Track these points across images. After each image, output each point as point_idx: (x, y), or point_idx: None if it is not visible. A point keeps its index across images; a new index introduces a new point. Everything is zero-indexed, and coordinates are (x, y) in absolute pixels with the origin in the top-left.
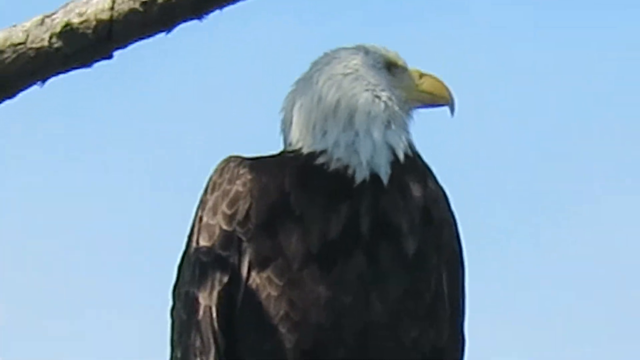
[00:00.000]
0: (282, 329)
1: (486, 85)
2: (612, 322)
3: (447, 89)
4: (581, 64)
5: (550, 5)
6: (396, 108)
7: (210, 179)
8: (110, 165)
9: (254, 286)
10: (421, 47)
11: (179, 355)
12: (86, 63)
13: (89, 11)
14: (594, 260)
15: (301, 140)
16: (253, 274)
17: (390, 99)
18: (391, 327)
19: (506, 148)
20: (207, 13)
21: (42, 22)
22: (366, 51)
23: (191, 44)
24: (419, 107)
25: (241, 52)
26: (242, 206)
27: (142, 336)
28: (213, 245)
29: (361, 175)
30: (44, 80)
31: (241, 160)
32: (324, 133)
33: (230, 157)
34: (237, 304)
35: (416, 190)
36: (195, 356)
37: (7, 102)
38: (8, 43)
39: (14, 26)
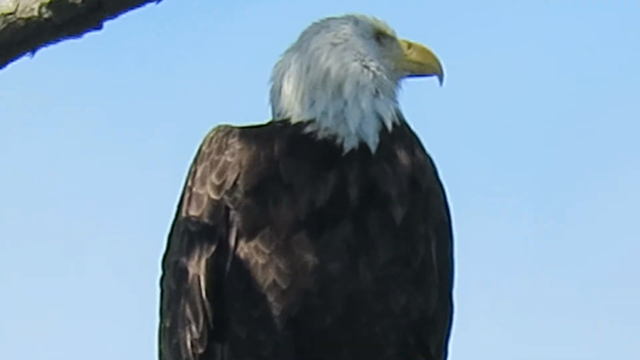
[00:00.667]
0: (270, 297)
1: (481, 50)
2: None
3: (435, 59)
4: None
5: None
6: (385, 77)
7: (199, 148)
8: (98, 139)
9: (242, 255)
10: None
11: (167, 324)
12: (76, 33)
13: None
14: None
15: (290, 109)
16: (241, 242)
17: (379, 68)
18: (379, 294)
19: (499, 117)
20: None
21: None
22: (355, 21)
23: (181, 12)
24: (407, 77)
25: (231, 20)
26: (231, 176)
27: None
28: (201, 214)
29: (349, 144)
30: (33, 51)
31: (230, 130)
32: (313, 102)
33: (219, 126)
34: (226, 272)
35: (404, 159)
36: (184, 325)
37: None
38: None
39: None
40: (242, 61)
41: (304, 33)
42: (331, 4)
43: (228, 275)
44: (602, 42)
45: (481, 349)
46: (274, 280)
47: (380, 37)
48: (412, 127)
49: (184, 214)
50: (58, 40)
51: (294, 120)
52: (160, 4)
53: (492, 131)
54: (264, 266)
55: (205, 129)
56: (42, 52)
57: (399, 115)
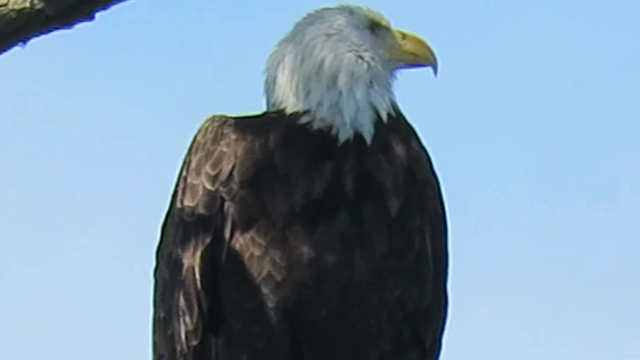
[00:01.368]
0: (265, 289)
1: (477, 41)
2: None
3: (430, 50)
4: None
5: None
6: (379, 68)
7: (194, 138)
8: (93, 127)
9: (237, 246)
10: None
11: (162, 315)
12: (68, 24)
13: None
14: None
15: (285, 100)
16: (236, 234)
17: (373, 59)
18: (374, 286)
19: (495, 109)
20: None
21: None
22: (350, 11)
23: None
24: (402, 68)
25: (224, 11)
26: (226, 166)
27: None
28: (196, 205)
29: (345, 134)
30: (25, 41)
31: (225, 120)
32: (308, 93)
33: (214, 116)
34: (221, 264)
35: (399, 150)
36: (179, 316)
37: None
38: None
39: None
40: (238, 51)
41: (298, 24)
42: None
43: (223, 267)
44: (601, 40)
45: (476, 342)
46: (269, 272)
47: (374, 27)
48: (408, 118)
49: (178, 204)
50: (50, 31)
51: (289, 111)
52: None
53: (488, 123)
54: (260, 258)
55: (201, 119)
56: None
57: (394, 106)
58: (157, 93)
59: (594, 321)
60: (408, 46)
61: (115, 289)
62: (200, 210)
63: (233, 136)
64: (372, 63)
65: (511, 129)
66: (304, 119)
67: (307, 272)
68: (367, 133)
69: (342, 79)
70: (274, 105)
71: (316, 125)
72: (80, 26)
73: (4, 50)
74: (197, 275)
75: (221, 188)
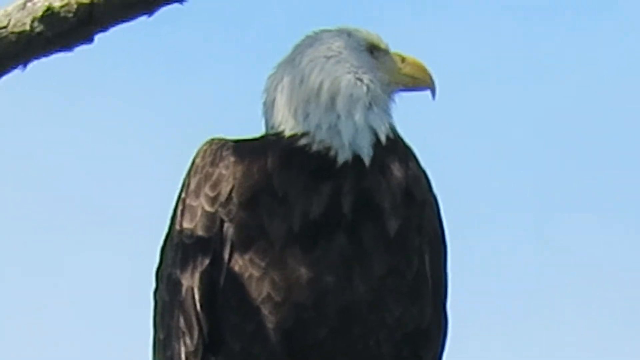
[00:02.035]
0: (265, 310)
1: (475, 65)
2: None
3: (428, 73)
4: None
5: None
6: (378, 91)
7: (193, 161)
8: (94, 152)
9: (236, 267)
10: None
11: (161, 336)
12: (67, 46)
13: None
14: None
15: (283, 122)
16: (235, 255)
17: (372, 81)
18: (373, 306)
19: (493, 132)
20: None
21: (23, 6)
22: (349, 33)
23: (173, 25)
24: (400, 91)
25: (223, 34)
26: (225, 188)
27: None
28: (195, 227)
29: (343, 156)
30: (25, 64)
31: (224, 143)
32: (306, 115)
33: (213, 139)
34: (220, 285)
35: (398, 171)
36: (178, 337)
37: None
38: None
39: None
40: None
41: (297, 46)
42: (324, 18)
43: (222, 288)
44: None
45: None
46: (268, 293)
47: (373, 50)
48: (406, 140)
49: (177, 226)
50: (50, 54)
51: (287, 133)
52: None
53: (487, 145)
54: (259, 279)
55: (201, 139)
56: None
57: (392, 128)
58: (163, 109)
59: (598, 343)
60: (407, 69)
61: (117, 307)
62: (199, 231)
63: (231, 158)
64: (371, 85)
65: (509, 151)
66: (302, 141)
67: (306, 293)
68: (366, 155)
69: (340, 101)
70: (272, 127)
71: (315, 147)
72: (80, 49)
73: (4, 74)
74: (197, 297)
75: (220, 210)
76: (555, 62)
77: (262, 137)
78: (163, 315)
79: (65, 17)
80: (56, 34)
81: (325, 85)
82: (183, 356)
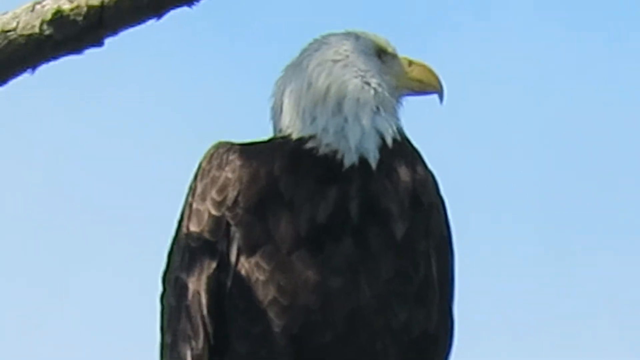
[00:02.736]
0: (271, 314)
1: (483, 69)
2: None
3: (436, 77)
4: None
5: None
6: (386, 94)
7: (200, 165)
8: (103, 154)
9: (242, 271)
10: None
11: (168, 340)
12: (77, 50)
13: None
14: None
15: (291, 126)
16: (242, 258)
17: (379, 85)
18: (380, 310)
19: (501, 136)
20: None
21: (32, 8)
22: (356, 37)
23: (182, 29)
24: (408, 95)
25: (232, 37)
26: (231, 192)
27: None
28: (202, 230)
29: (350, 159)
30: (34, 67)
31: (230, 146)
32: (313, 119)
33: (220, 142)
34: (226, 288)
35: (405, 175)
36: (185, 341)
37: None
38: None
39: (5, 13)
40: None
41: (305, 49)
42: (331, 22)
43: (229, 292)
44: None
45: None
46: (274, 297)
47: (381, 54)
48: (414, 143)
49: (184, 230)
50: (59, 57)
51: (294, 137)
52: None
53: (495, 148)
54: (265, 283)
55: (208, 142)
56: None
57: (399, 131)
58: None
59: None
60: (414, 73)
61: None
62: (206, 235)
63: (238, 162)
64: (378, 89)
65: (518, 155)
66: (309, 145)
67: (312, 297)
68: (373, 158)
69: (348, 105)
70: (280, 130)
71: (322, 151)
72: (90, 52)
73: (13, 76)
74: (203, 300)
75: (227, 213)
76: (566, 65)
77: (269, 140)
78: (170, 319)
79: (74, 20)
80: (65, 37)
81: (333, 89)
82: None
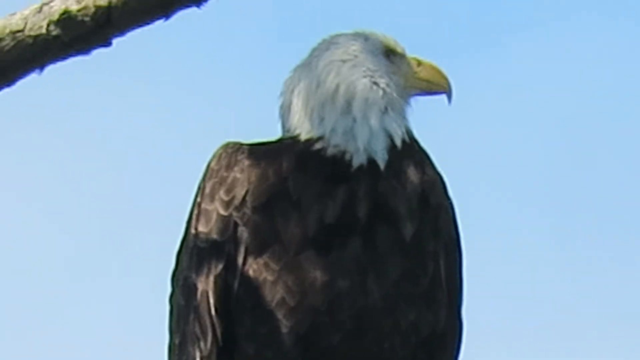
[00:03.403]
0: (279, 314)
1: (491, 68)
2: None
3: (445, 77)
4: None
5: None
6: (394, 95)
7: (208, 165)
8: (105, 154)
9: (250, 271)
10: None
11: (177, 341)
12: (84, 50)
13: None
14: None
15: (299, 126)
16: (250, 259)
17: (388, 85)
18: (388, 311)
19: (511, 137)
20: (206, 0)
21: (40, 9)
22: (365, 37)
23: (190, 29)
24: (417, 95)
25: (239, 37)
26: (240, 192)
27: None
28: (210, 230)
29: (358, 160)
30: (42, 68)
31: (239, 147)
32: (322, 119)
33: (228, 142)
34: (234, 289)
35: (413, 176)
36: (193, 342)
37: (6, 89)
38: (7, 31)
39: (13, 14)
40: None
41: (314, 49)
42: (341, 21)
43: (237, 292)
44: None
45: None
46: (282, 297)
47: (389, 54)
48: (422, 144)
49: (193, 230)
50: (66, 57)
51: (303, 137)
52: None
53: (503, 149)
54: (273, 283)
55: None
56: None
57: (408, 132)
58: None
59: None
60: (423, 73)
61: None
62: (214, 235)
63: (246, 162)
64: (387, 89)
65: (526, 156)
66: (317, 145)
67: (320, 297)
68: (381, 159)
69: (356, 105)
70: (288, 131)
71: (330, 151)
72: (97, 52)
73: (21, 77)
74: (211, 301)
75: (234, 213)
76: (573, 65)
77: (278, 140)
78: (179, 319)
79: (82, 21)
80: (73, 38)
81: (341, 89)
82: None
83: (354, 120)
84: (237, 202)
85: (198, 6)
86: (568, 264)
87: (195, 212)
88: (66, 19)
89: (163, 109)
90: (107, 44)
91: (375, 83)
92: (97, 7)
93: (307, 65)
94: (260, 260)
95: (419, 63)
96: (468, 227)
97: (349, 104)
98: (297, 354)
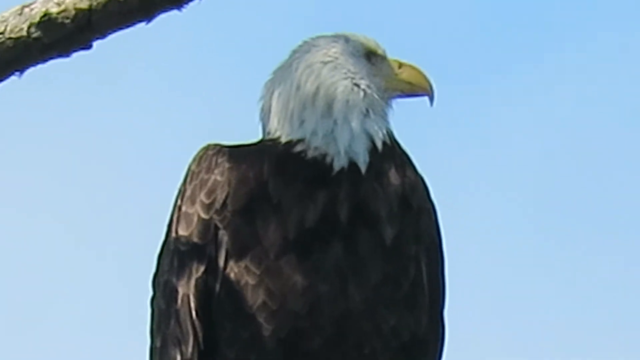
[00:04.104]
0: (260, 318)
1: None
2: None
3: (426, 79)
4: None
5: None
6: (375, 97)
7: (189, 168)
8: (91, 157)
9: (231, 275)
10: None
11: (158, 344)
12: (65, 53)
13: (67, 0)
14: None
15: (279, 128)
16: (231, 262)
17: (369, 87)
18: (369, 315)
19: (493, 139)
20: (186, 3)
21: (20, 11)
22: (346, 39)
23: (170, 32)
24: (398, 97)
25: (217, 41)
26: (220, 195)
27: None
28: (191, 234)
29: (339, 163)
30: (22, 70)
31: (219, 149)
32: (302, 122)
33: (209, 145)
34: (215, 292)
35: (394, 179)
36: (174, 345)
37: None
38: None
39: None
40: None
41: (294, 51)
42: (322, 23)
43: (218, 296)
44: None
45: None
46: (263, 301)
47: (370, 56)
48: (404, 146)
49: (173, 233)
50: (47, 60)
51: (283, 140)
52: (150, 23)
53: (486, 151)
54: (254, 287)
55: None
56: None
57: (389, 134)
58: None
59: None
60: (404, 75)
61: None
62: (195, 239)
63: (227, 165)
64: (368, 91)
65: (508, 158)
66: (298, 148)
67: (301, 301)
68: (362, 161)
69: (337, 107)
70: (269, 133)
71: (310, 154)
72: (78, 55)
73: (1, 80)
74: (192, 304)
75: (215, 216)
76: (559, 65)
77: (258, 142)
78: (159, 323)
79: (62, 23)
80: (53, 40)
81: (322, 92)
82: None
83: (335, 122)
84: (217, 205)
85: (179, 9)
86: (557, 266)
87: (176, 215)
88: (47, 22)
89: (143, 110)
90: (88, 46)
91: (356, 85)
92: (78, 10)
93: (287, 68)
94: (242, 264)
95: (400, 65)
96: (450, 230)
97: (329, 106)
98: (278, 358)
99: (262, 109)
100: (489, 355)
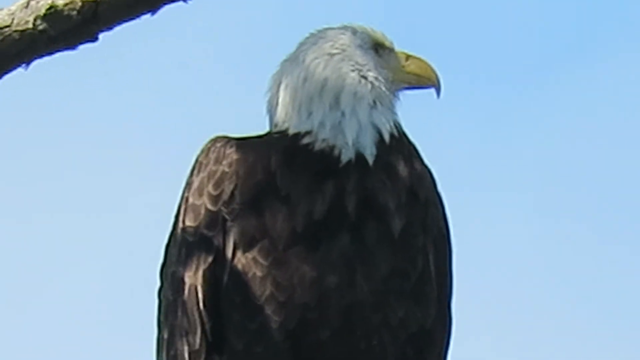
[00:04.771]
0: (268, 309)
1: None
2: None
3: (433, 71)
4: None
5: None
6: (382, 88)
7: (197, 159)
8: (98, 150)
9: (239, 266)
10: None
11: (165, 335)
12: (71, 45)
13: None
14: None
15: (287, 120)
16: (238, 254)
17: (376, 79)
18: (377, 306)
19: (500, 131)
20: None
21: (27, 4)
22: (353, 31)
23: (177, 24)
24: (405, 89)
25: (227, 33)
26: (228, 186)
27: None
28: (199, 225)
29: (347, 155)
30: (28, 63)
31: (227, 140)
32: (310, 113)
33: (217, 137)
34: (223, 283)
35: (402, 170)
36: (182, 336)
37: None
38: None
39: (0, 10)
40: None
41: (301, 43)
42: (328, 15)
43: (225, 287)
44: None
45: None
46: (271, 293)
47: (378, 48)
48: (411, 138)
49: (181, 224)
50: (53, 52)
51: (291, 132)
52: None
53: (493, 143)
54: (262, 278)
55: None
56: None
57: (397, 126)
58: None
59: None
60: (411, 67)
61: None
62: (202, 230)
63: (235, 156)
64: (375, 83)
65: (515, 150)
66: (305, 140)
67: (309, 293)
68: (369, 153)
69: (344, 99)
70: (276, 125)
71: (318, 146)
72: (84, 47)
73: (7, 72)
74: (200, 295)
75: (223, 208)
76: (560, 61)
77: (266, 134)
78: (167, 314)
79: (69, 16)
80: (60, 33)
81: (329, 83)
82: (186, 355)
83: (343, 114)
84: (225, 196)
85: (185, 0)
86: (561, 261)
87: (184, 206)
88: (53, 14)
89: (151, 101)
90: (94, 38)
91: (364, 77)
92: (84, 2)
93: (294, 59)
94: (249, 255)
95: (407, 57)
96: (457, 222)
97: (337, 98)
98: (286, 349)
99: (270, 101)
100: (496, 347)
